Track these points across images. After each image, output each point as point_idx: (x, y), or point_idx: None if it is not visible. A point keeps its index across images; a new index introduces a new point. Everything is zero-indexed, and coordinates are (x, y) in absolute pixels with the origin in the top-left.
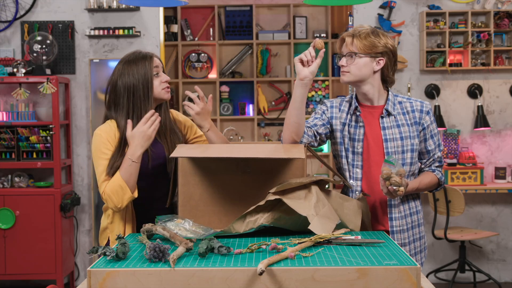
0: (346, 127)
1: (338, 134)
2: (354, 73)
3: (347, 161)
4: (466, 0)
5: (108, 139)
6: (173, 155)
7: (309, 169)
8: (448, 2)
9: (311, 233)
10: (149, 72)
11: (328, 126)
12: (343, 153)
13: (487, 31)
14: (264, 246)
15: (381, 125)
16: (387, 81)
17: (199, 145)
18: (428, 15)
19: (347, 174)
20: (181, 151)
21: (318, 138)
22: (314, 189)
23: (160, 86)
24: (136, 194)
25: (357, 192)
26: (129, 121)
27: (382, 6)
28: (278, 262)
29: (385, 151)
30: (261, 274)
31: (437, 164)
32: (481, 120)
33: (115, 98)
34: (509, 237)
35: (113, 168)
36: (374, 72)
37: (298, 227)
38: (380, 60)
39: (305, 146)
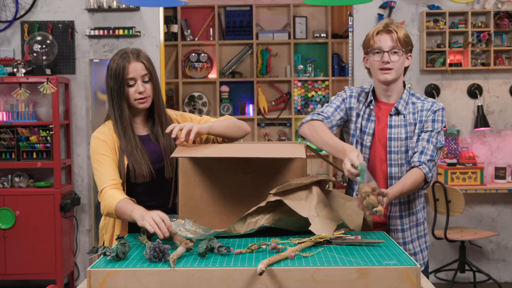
0: (360, 119)
1: (352, 126)
2: (398, 71)
3: None
4: (466, 0)
5: (106, 141)
6: (173, 155)
7: (309, 169)
8: (448, 2)
9: (311, 233)
10: (122, 75)
11: (345, 117)
12: (353, 145)
13: (487, 31)
14: (264, 246)
15: (388, 123)
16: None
17: (199, 145)
18: (428, 15)
19: None
20: (181, 152)
21: (333, 130)
22: (315, 189)
23: (133, 96)
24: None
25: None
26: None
27: (382, 6)
28: (278, 262)
29: (388, 149)
30: (261, 274)
31: (428, 158)
32: (481, 120)
33: (109, 98)
34: (509, 237)
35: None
36: (406, 66)
37: (299, 227)
38: (409, 56)
39: (305, 146)
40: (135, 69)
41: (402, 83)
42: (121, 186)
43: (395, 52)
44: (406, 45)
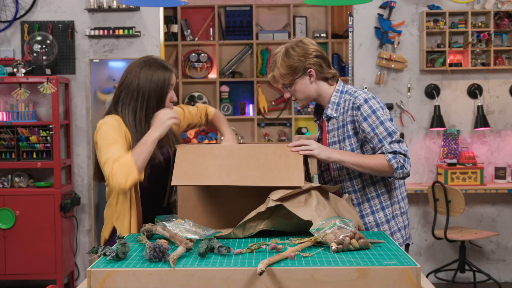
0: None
1: None
2: (302, 98)
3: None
4: (466, 0)
5: (122, 130)
6: (173, 183)
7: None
8: (448, 2)
9: (311, 233)
10: (167, 84)
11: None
12: None
13: (487, 31)
14: (264, 246)
15: (326, 129)
16: (328, 78)
17: (196, 169)
18: (428, 15)
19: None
20: (180, 179)
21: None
22: (314, 193)
23: (167, 104)
24: (142, 177)
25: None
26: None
27: (382, 6)
28: (278, 262)
29: None
30: (261, 274)
31: (389, 152)
32: (481, 120)
33: (128, 97)
34: (509, 237)
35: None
36: (312, 83)
37: (299, 229)
38: (309, 72)
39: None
40: (174, 79)
41: (328, 89)
42: None
43: (286, 87)
44: (289, 75)
